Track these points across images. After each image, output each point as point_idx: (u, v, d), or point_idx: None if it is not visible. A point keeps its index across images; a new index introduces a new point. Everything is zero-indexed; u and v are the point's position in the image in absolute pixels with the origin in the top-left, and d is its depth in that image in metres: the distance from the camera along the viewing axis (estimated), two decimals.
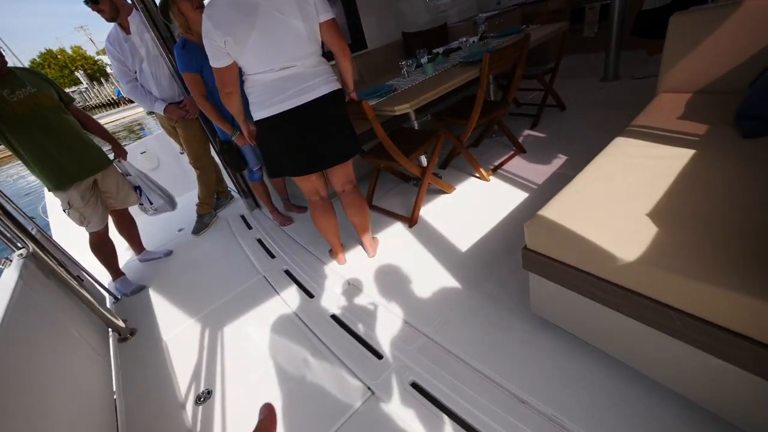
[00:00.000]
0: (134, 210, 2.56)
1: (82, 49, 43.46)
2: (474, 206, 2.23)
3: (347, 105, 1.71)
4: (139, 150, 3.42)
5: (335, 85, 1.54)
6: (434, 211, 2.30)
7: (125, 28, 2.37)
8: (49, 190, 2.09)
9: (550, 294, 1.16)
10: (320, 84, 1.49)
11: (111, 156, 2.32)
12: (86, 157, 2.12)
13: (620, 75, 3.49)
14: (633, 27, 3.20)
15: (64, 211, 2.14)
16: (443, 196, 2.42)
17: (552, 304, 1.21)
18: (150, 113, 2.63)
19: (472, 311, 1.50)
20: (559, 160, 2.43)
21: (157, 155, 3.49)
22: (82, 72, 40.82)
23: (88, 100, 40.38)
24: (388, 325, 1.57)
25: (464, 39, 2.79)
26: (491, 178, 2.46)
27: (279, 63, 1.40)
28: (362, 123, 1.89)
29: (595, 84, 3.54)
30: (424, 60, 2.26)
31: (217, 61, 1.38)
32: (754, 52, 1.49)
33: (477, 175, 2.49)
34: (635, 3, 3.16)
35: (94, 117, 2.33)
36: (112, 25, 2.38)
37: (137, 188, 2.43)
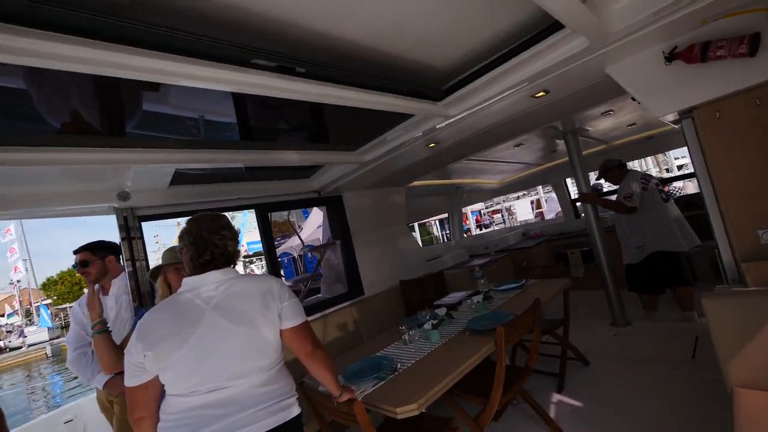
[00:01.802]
0: None
1: None
2: None
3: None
4: (64, 417, 2.70)
5: (290, 413, 1.16)
6: None
7: (105, 289, 2.24)
8: None
9: None
10: (264, 414, 1.11)
11: None
12: None
13: (629, 320, 3.29)
14: (628, 282, 3.29)
15: None
16: None
17: None
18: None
19: None
20: None
21: (84, 426, 2.73)
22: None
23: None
24: None
25: (465, 295, 2.68)
26: None
27: (210, 383, 1.08)
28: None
29: (607, 329, 3.29)
30: (428, 326, 2.00)
31: (130, 378, 1.09)
32: None
33: None
34: (615, 248, 3.34)
35: None
36: None
37: None
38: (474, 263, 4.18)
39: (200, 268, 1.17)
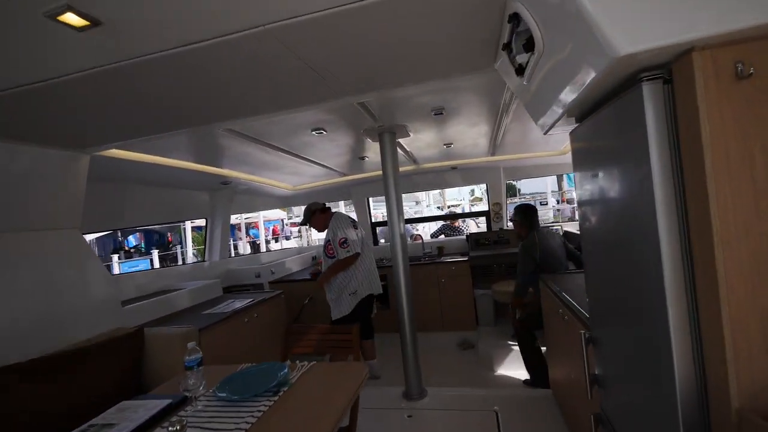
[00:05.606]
0: None
1: None
2: None
3: None
4: None
5: None
6: None
7: None
8: None
9: None
10: None
11: None
12: None
13: (424, 387, 2.53)
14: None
15: None
16: None
17: None
18: None
19: None
20: None
21: None
22: None
23: None
24: None
25: (164, 405, 1.06)
26: None
27: None
28: None
29: (399, 406, 2.40)
30: None
31: None
32: None
33: None
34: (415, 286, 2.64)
35: None
36: None
37: None
38: (227, 306, 2.57)
39: None
